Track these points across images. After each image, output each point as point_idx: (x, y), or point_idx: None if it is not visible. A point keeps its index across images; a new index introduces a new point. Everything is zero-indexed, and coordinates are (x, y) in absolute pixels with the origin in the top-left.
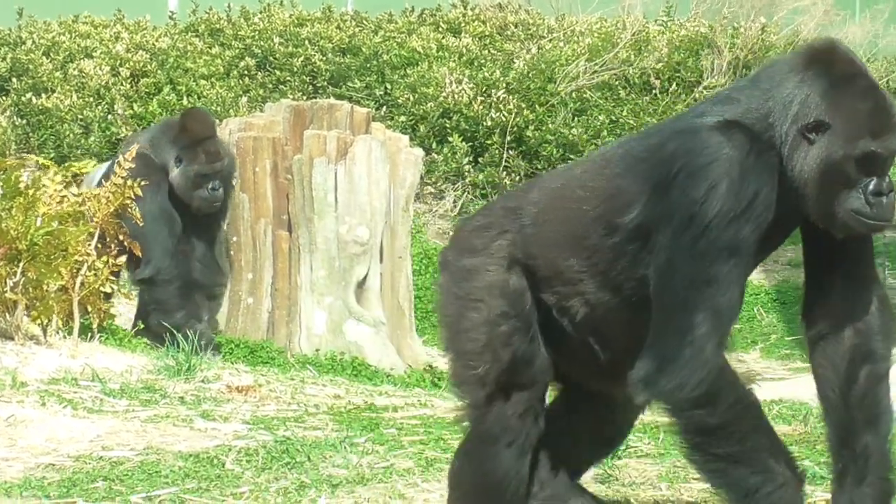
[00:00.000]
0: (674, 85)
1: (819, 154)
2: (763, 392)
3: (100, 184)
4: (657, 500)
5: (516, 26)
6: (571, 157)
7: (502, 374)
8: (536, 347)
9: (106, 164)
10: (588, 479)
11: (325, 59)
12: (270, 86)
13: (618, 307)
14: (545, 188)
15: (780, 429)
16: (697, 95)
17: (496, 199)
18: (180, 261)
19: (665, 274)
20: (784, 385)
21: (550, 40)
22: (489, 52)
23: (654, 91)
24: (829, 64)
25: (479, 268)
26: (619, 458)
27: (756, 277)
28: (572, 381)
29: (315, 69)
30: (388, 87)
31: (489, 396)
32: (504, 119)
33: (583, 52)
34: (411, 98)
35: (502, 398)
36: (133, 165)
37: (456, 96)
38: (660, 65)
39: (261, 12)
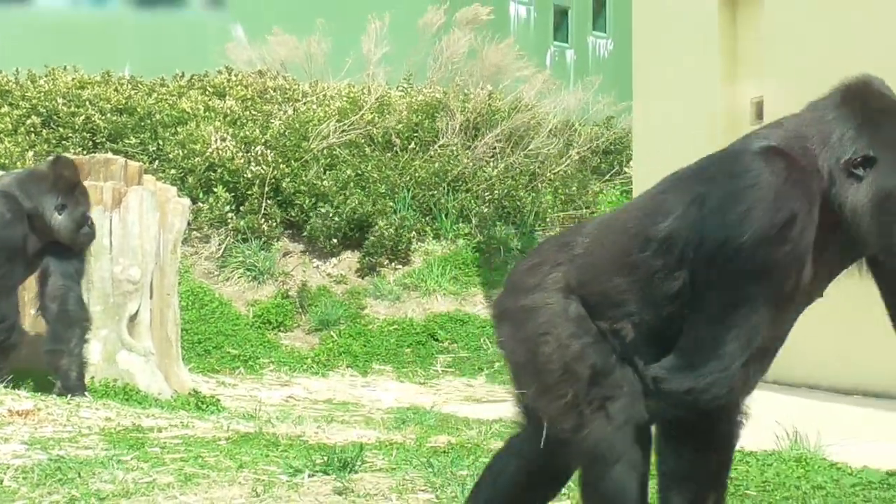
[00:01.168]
0: (412, 143)
1: (871, 189)
2: (487, 412)
3: None
4: None
5: (275, 90)
6: (322, 206)
7: (587, 390)
8: (614, 360)
9: None
10: (327, 491)
11: (103, 117)
12: (54, 141)
13: (659, 326)
14: (598, 221)
15: (499, 445)
16: (433, 153)
17: (544, 240)
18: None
19: (699, 291)
20: (503, 406)
21: (305, 103)
22: (250, 112)
23: (395, 148)
24: (864, 99)
25: (538, 303)
26: (356, 472)
27: (482, 312)
28: None
29: (94, 127)
30: (161, 143)
31: (584, 419)
32: (263, 172)
33: (333, 113)
34: (181, 153)
35: (597, 416)
36: None
37: (220, 152)
38: (400, 125)
39: (46, 76)
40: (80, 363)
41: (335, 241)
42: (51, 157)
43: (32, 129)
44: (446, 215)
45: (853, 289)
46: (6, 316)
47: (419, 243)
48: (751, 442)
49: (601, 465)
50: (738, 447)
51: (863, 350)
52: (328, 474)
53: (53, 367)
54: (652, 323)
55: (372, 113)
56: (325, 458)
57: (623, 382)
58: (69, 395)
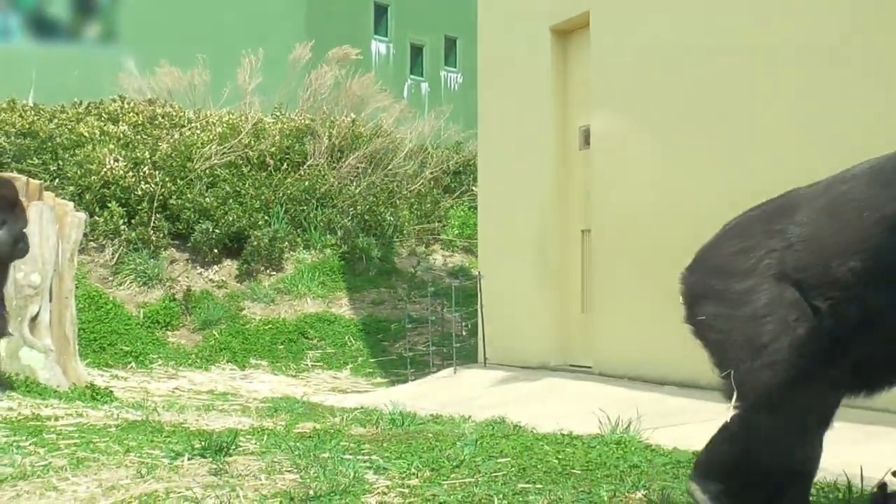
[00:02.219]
0: (284, 164)
1: None
2: (350, 401)
3: None
4: (257, 487)
5: (163, 117)
6: (205, 219)
7: (803, 368)
8: (828, 341)
9: None
10: (204, 472)
11: (9, 140)
12: None
13: (884, 308)
14: (811, 209)
15: (358, 430)
16: (303, 173)
17: (742, 221)
18: None
19: None
20: (365, 396)
21: (189, 128)
22: (141, 136)
23: (269, 169)
24: None
25: (755, 287)
26: (230, 455)
27: (346, 313)
28: None
29: (0, 148)
30: (60, 163)
31: (797, 388)
32: (152, 189)
33: (214, 138)
34: (78, 172)
35: (809, 389)
36: None
37: (114, 171)
38: (273, 148)
39: None
40: None
41: (216, 250)
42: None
43: None
44: (315, 228)
45: (663, 291)
46: None
47: (291, 252)
48: (577, 427)
49: (799, 433)
50: (566, 432)
51: (673, 346)
52: (205, 457)
53: None
54: (878, 306)
55: (248, 137)
56: (204, 443)
57: (834, 363)
58: None
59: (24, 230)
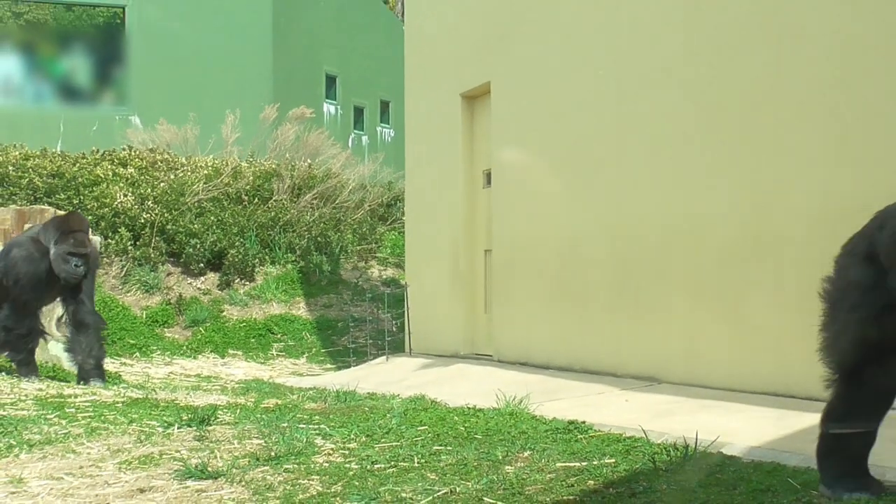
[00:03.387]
0: (256, 199)
1: None
2: (305, 382)
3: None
4: (231, 450)
5: (161, 162)
6: (193, 241)
7: (872, 339)
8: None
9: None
10: (190, 438)
11: (41, 180)
12: (6, 196)
13: None
14: None
15: (311, 405)
16: (270, 205)
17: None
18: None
19: None
20: (317, 379)
21: (182, 171)
22: (144, 177)
23: (244, 202)
24: None
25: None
26: (211, 425)
27: (303, 314)
28: None
29: (35, 186)
30: (81, 198)
31: (867, 362)
32: (153, 218)
33: (201, 178)
34: (95, 205)
35: (881, 363)
36: (23, 246)
37: (123, 204)
38: (247, 186)
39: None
40: (96, 357)
41: (202, 265)
42: (64, 213)
43: None
44: (279, 248)
45: (546, 296)
46: (32, 328)
47: (260, 267)
48: (480, 402)
49: (869, 404)
50: (471, 406)
51: (554, 339)
52: (191, 427)
53: (72, 362)
54: None
55: (228, 178)
56: (190, 416)
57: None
58: (86, 382)
59: (77, 255)
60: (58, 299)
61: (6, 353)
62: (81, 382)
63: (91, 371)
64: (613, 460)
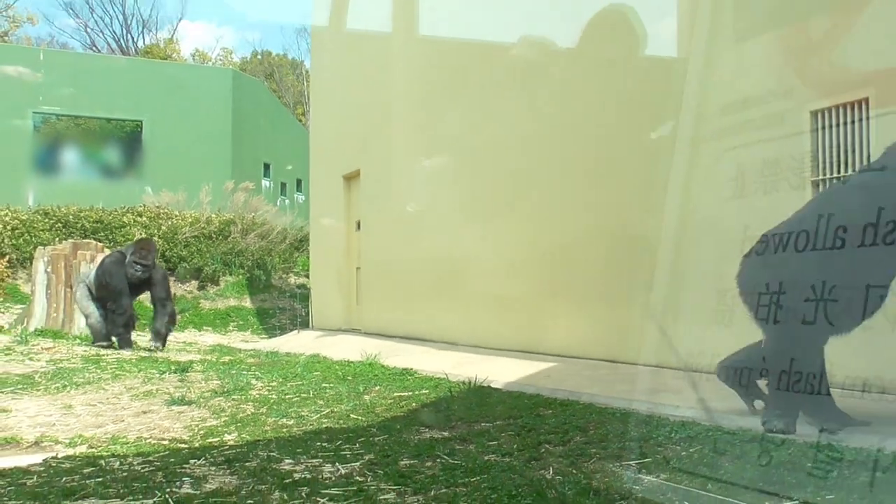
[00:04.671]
0: (220, 237)
1: None
2: (248, 347)
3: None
4: (200, 388)
5: (164, 214)
6: (182, 262)
7: None
8: None
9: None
10: (175, 381)
11: (90, 224)
12: (66, 234)
13: None
14: None
15: (251, 360)
16: (229, 241)
17: None
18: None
19: None
20: (256, 344)
21: (175, 220)
22: (153, 223)
23: (213, 239)
24: None
25: None
26: (188, 373)
27: (249, 305)
28: None
29: (85, 228)
30: (113, 235)
31: None
32: (159, 248)
33: (188, 224)
34: (122, 240)
35: None
36: (113, 256)
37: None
38: (215, 229)
39: (62, 208)
40: (164, 332)
41: (188, 276)
42: (138, 238)
43: (56, 229)
44: (234, 266)
45: (393, 294)
46: (127, 308)
47: (223, 277)
48: (352, 357)
49: None
50: (346, 360)
51: (397, 319)
52: (176, 374)
53: (154, 334)
54: None
55: (204, 224)
56: (176, 367)
57: None
58: (155, 346)
59: (140, 262)
60: (147, 293)
61: (111, 329)
62: (151, 341)
63: (155, 337)
64: (428, 391)
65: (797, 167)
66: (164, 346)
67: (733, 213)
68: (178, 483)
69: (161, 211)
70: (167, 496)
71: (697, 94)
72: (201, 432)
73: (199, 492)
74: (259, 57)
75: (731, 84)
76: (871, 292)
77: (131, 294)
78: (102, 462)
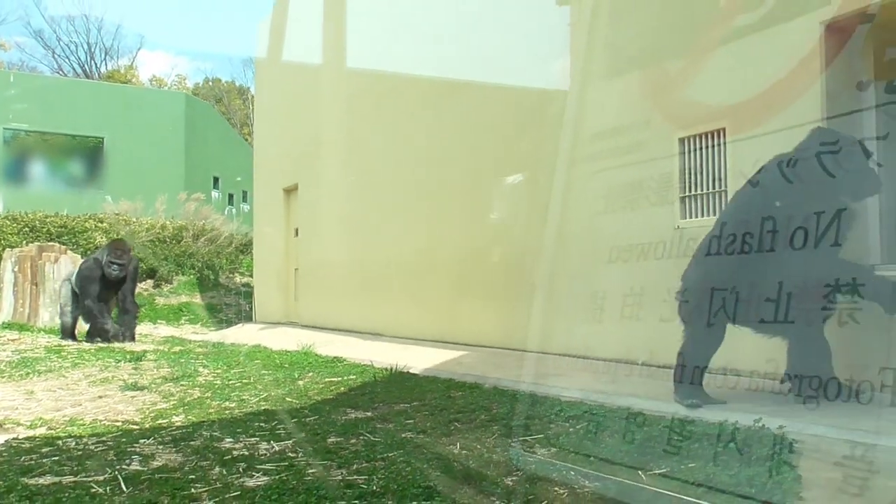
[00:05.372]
0: (174, 241)
1: None
2: (199, 338)
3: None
4: (152, 374)
5: (123, 220)
6: (140, 262)
7: None
8: None
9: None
10: (130, 368)
11: (55, 228)
12: (33, 237)
13: None
14: None
15: (200, 350)
16: (182, 245)
17: None
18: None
19: None
20: (206, 336)
21: (133, 225)
22: (113, 229)
23: (167, 242)
24: None
25: None
26: (142, 361)
27: (199, 302)
28: None
29: (50, 232)
30: (76, 239)
31: None
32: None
33: (144, 229)
34: (85, 243)
35: None
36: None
37: (97, 243)
38: (169, 235)
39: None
40: (131, 330)
41: (145, 275)
42: (113, 238)
43: (23, 233)
44: (186, 266)
45: (325, 292)
46: (101, 311)
47: (176, 277)
48: (290, 347)
49: None
50: (285, 349)
51: (333, 313)
52: (131, 362)
53: (122, 332)
54: None
55: (159, 229)
56: (131, 356)
57: None
58: (124, 341)
59: (116, 263)
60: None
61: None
62: (120, 342)
63: (127, 337)
64: (355, 377)
65: (659, 187)
66: (133, 338)
67: (603, 226)
68: (127, 461)
69: (120, 218)
70: (117, 472)
71: (574, 123)
72: (152, 415)
73: (146, 468)
74: (210, 83)
75: (601, 115)
76: (716, 295)
77: (110, 289)
78: (60, 442)
